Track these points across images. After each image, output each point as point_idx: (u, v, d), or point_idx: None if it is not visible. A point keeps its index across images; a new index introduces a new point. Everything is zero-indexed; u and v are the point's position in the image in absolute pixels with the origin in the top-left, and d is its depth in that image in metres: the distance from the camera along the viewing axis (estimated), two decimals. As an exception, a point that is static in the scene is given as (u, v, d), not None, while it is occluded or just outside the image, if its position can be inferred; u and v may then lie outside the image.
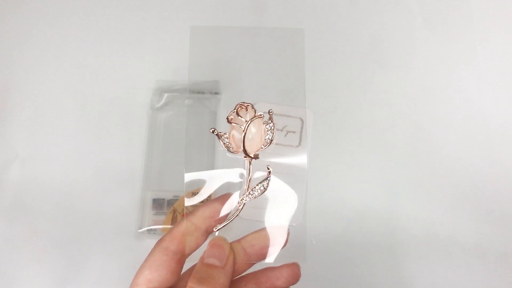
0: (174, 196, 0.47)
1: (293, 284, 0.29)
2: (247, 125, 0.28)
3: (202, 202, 0.31)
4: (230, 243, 0.28)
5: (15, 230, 0.47)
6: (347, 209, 0.49)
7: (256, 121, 0.28)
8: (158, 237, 0.45)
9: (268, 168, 0.29)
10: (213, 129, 0.29)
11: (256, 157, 0.29)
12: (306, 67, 0.33)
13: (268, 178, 0.29)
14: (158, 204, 0.46)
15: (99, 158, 0.50)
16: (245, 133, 0.28)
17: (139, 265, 0.45)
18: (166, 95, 0.50)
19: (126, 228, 0.47)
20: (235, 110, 0.28)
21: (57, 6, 0.55)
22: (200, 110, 0.51)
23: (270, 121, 0.29)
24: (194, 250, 0.29)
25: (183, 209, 0.46)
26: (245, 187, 0.29)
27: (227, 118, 0.28)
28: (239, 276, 0.29)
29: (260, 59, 0.36)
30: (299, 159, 0.47)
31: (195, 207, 0.30)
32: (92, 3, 0.56)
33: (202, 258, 0.28)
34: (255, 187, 0.29)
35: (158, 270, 0.28)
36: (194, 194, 0.47)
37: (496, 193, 0.49)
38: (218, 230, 0.29)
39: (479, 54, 0.55)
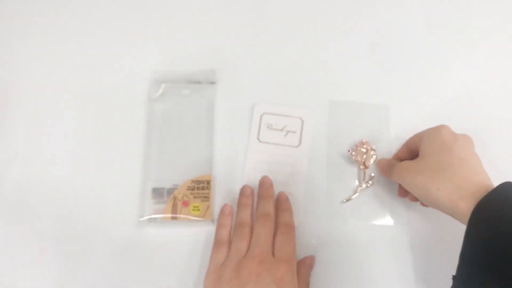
0: (173, 185, 0.47)
1: (312, 264, 0.45)
2: (367, 152, 0.49)
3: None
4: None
5: (15, 230, 0.47)
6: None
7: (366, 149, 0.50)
8: (159, 225, 0.46)
9: (373, 175, 0.49)
10: (350, 152, 0.49)
11: (368, 167, 0.49)
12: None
13: (373, 180, 0.49)
14: (158, 193, 0.47)
15: (99, 149, 0.50)
16: (366, 156, 0.49)
17: (141, 253, 0.45)
18: (163, 85, 0.51)
19: (127, 218, 0.47)
20: (357, 145, 0.50)
21: (54, 3, 0.56)
22: (197, 100, 0.51)
23: (373, 150, 0.49)
24: None
25: (183, 197, 0.46)
26: (361, 183, 0.49)
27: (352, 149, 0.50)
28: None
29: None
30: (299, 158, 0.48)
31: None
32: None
33: None
34: (366, 183, 0.49)
35: None
36: (194, 182, 0.47)
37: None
38: (346, 202, 0.48)
39: (479, 54, 0.55)
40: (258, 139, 0.50)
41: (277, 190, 0.47)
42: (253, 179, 0.48)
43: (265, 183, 0.47)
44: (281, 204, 0.46)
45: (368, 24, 0.56)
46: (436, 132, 0.42)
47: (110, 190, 0.48)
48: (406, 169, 0.42)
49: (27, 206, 0.48)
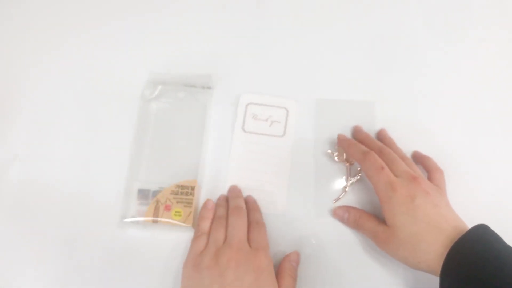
0: (159, 187, 0.46)
1: (297, 260, 0.45)
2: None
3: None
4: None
5: (15, 230, 0.48)
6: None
7: None
8: (140, 228, 0.45)
9: (359, 169, 0.48)
10: (330, 152, 0.49)
11: (352, 163, 0.49)
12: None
13: (360, 173, 0.48)
14: (143, 194, 0.46)
15: (97, 149, 0.50)
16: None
17: (122, 254, 0.45)
18: (160, 87, 0.51)
19: (113, 218, 0.46)
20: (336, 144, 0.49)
21: (52, 4, 0.57)
22: (192, 103, 0.51)
23: None
24: None
25: (166, 200, 0.46)
26: (348, 179, 0.48)
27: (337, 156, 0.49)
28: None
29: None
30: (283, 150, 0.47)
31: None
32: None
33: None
34: (352, 179, 0.48)
35: None
36: (178, 186, 0.46)
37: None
38: (336, 201, 0.47)
39: (479, 54, 0.53)
40: (243, 129, 0.50)
41: (259, 179, 0.48)
42: (238, 170, 0.49)
43: (234, 189, 0.48)
44: (250, 205, 0.47)
45: (359, 22, 0.56)
46: (393, 196, 0.41)
47: (103, 190, 0.48)
48: (383, 242, 0.42)
49: (26, 206, 0.48)
